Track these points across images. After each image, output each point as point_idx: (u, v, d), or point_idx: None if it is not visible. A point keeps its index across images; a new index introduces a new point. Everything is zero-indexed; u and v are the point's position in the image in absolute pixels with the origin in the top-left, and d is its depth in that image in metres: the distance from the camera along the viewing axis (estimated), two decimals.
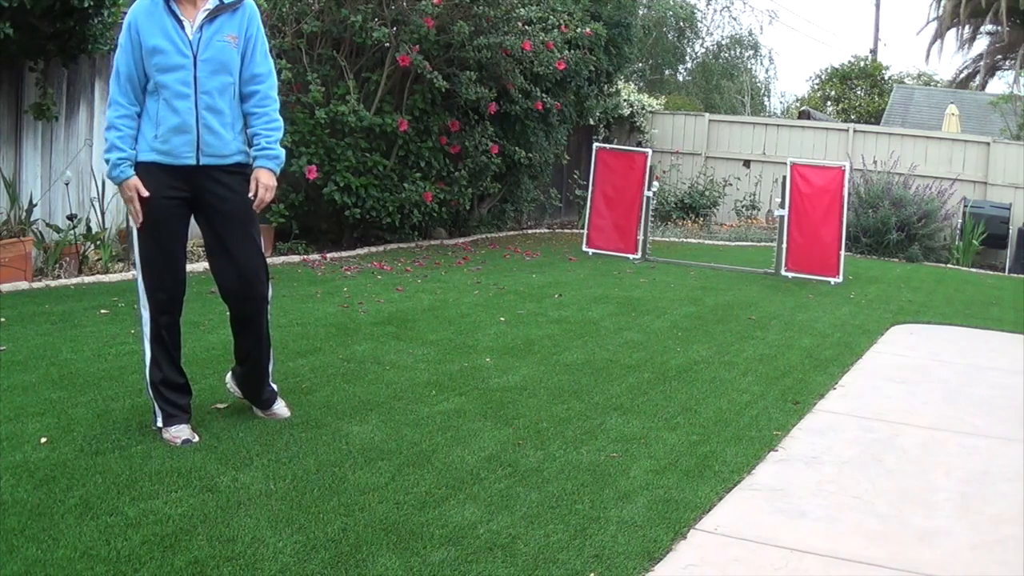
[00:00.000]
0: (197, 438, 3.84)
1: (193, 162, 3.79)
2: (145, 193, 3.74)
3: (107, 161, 3.76)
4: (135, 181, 3.74)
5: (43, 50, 7.15)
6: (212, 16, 3.78)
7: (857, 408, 5.17)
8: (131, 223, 3.88)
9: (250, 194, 3.87)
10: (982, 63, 27.52)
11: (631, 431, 4.42)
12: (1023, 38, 25.00)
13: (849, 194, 11.87)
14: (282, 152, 3.97)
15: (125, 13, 7.99)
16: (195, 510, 3.18)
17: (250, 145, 3.93)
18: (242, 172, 3.91)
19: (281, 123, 3.99)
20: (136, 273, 3.91)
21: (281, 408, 4.24)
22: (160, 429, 3.85)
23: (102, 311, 6.09)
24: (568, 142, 13.36)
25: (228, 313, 4.06)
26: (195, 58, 3.74)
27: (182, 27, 3.74)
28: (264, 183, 3.87)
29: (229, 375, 4.31)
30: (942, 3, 27.20)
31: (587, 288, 8.46)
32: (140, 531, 3.02)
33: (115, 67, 3.77)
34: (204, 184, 3.83)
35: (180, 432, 3.82)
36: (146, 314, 3.88)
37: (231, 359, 4.26)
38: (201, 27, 3.76)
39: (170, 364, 3.91)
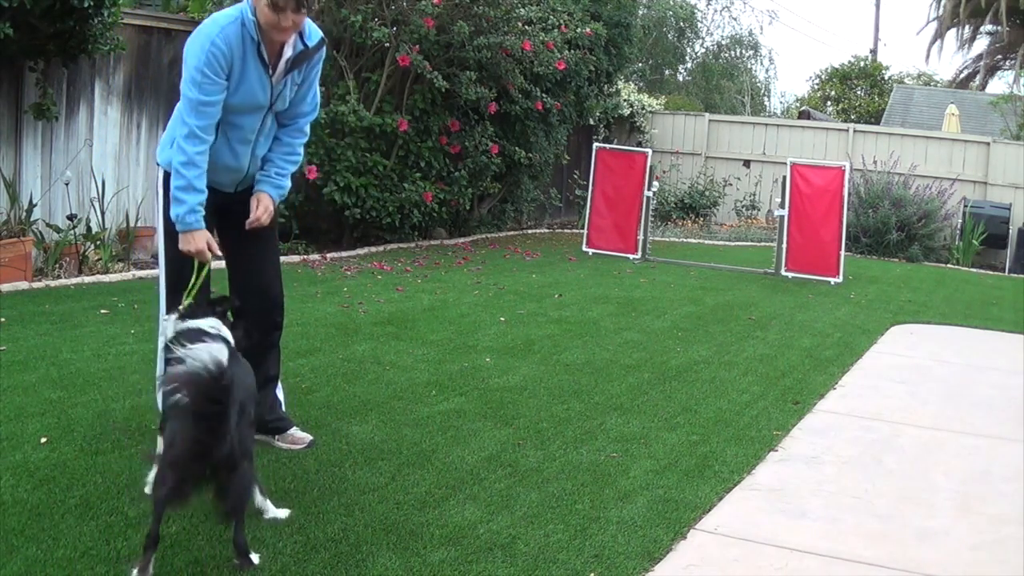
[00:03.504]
0: None
1: (232, 191, 3.73)
2: (216, 251, 3.51)
3: (179, 200, 3.41)
4: (207, 235, 3.46)
5: (43, 50, 7.15)
6: (293, 65, 3.59)
7: (857, 408, 5.17)
8: (159, 226, 3.70)
9: (251, 215, 3.67)
10: (982, 63, 27.51)
11: (631, 431, 4.42)
12: (1023, 38, 24.99)
13: (849, 194, 11.86)
14: (288, 185, 3.79)
15: (125, 13, 7.74)
16: (195, 510, 3.17)
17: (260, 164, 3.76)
18: None
19: (301, 158, 3.83)
20: (160, 276, 3.76)
21: (300, 433, 3.97)
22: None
23: (102, 311, 6.09)
24: (568, 142, 13.35)
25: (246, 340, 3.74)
26: (270, 107, 3.61)
27: (267, 72, 3.53)
28: (265, 206, 3.68)
29: None
30: (942, 3, 27.19)
31: (587, 288, 8.45)
32: (140, 531, 3.01)
33: (200, 95, 3.39)
34: (232, 203, 3.73)
35: None
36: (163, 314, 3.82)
37: None
38: (284, 78, 3.58)
39: None
